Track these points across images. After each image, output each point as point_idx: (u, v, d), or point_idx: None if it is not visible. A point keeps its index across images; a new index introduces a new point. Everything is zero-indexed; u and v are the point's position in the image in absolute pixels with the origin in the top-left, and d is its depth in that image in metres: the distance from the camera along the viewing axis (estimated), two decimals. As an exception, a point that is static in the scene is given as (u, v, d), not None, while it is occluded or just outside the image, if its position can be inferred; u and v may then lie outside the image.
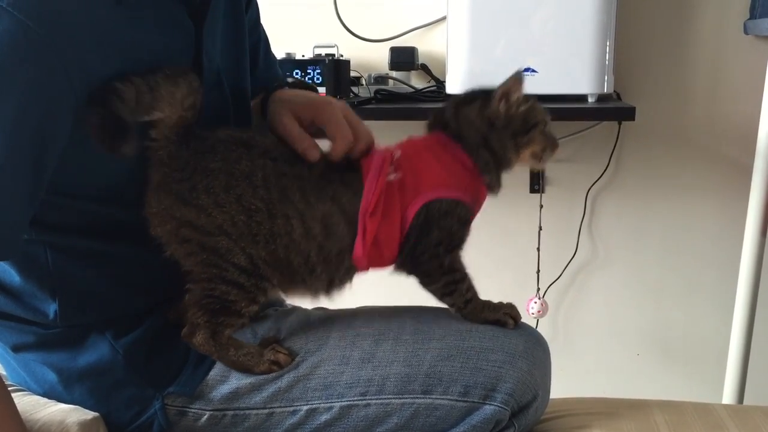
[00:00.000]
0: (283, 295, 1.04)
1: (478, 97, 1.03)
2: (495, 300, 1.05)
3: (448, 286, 1.01)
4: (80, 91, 0.81)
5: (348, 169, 0.99)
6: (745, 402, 1.87)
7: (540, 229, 2.00)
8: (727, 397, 1.87)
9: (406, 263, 1.01)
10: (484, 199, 1.04)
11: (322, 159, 0.98)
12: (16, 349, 0.99)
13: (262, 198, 0.92)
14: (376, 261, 1.00)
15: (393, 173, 0.98)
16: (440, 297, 1.03)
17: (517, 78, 1.01)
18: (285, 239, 0.93)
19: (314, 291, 0.99)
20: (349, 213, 0.95)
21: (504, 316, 1.03)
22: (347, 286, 1.01)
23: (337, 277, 0.98)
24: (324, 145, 1.01)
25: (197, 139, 0.93)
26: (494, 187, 1.03)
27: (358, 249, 0.96)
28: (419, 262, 1.00)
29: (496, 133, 1.01)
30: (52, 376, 0.98)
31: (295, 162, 0.96)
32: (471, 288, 1.03)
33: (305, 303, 1.03)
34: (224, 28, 1.04)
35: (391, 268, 1.03)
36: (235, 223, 0.91)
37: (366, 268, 1.00)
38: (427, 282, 1.02)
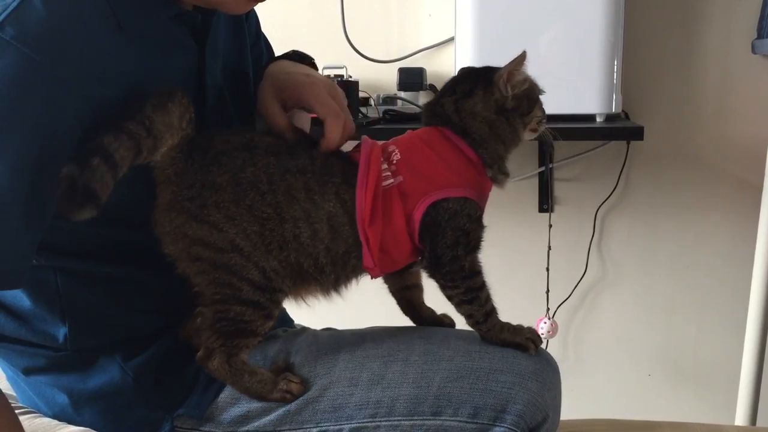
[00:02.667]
0: (296, 301, 1.01)
1: (477, 86, 1.03)
2: (503, 321, 1.04)
3: (468, 292, 0.99)
4: (86, 121, 0.82)
5: (347, 161, 0.98)
6: (758, 423, 1.85)
7: (549, 248, 2.00)
8: (740, 418, 1.85)
9: (428, 267, 1.00)
10: (488, 191, 1.04)
11: (321, 150, 0.98)
12: (27, 372, 0.99)
13: (270, 203, 0.92)
14: (388, 266, 1.00)
15: (391, 178, 0.97)
16: (459, 305, 1.01)
17: (521, 59, 1.01)
18: (294, 243, 0.93)
19: (325, 290, 0.99)
20: (352, 213, 0.95)
21: (526, 340, 1.01)
22: (354, 282, 1.00)
23: (343, 275, 0.98)
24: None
25: (199, 151, 0.92)
26: (498, 178, 1.03)
27: (368, 260, 0.96)
28: (440, 264, 0.99)
29: (506, 116, 1.02)
30: (62, 399, 0.98)
31: (297, 154, 0.96)
32: (490, 300, 1.01)
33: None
34: (226, 45, 1.05)
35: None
36: (247, 235, 0.91)
37: (379, 274, 1.00)
38: (448, 286, 1.00)
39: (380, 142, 1.01)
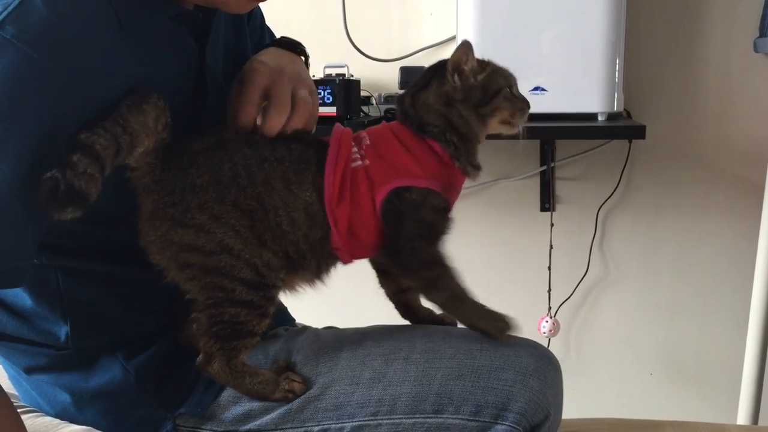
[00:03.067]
0: (290, 294, 1.02)
1: (434, 78, 1.02)
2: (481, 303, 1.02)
3: (428, 282, 0.99)
4: (86, 120, 0.82)
5: (321, 148, 0.97)
6: (761, 423, 1.85)
7: (551, 247, 2.00)
8: (742, 417, 1.85)
9: (389, 254, 0.99)
10: (460, 184, 1.03)
11: (300, 140, 0.98)
12: (29, 371, 1.00)
13: (252, 196, 0.91)
14: (357, 250, 0.99)
15: (360, 160, 0.97)
16: (421, 292, 1.02)
17: (464, 47, 0.99)
18: (278, 231, 0.93)
19: (310, 278, 0.99)
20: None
21: (492, 328, 0.99)
22: (333, 269, 1.00)
23: (323, 261, 0.98)
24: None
25: (174, 155, 0.91)
26: (468, 170, 1.01)
27: (336, 239, 0.96)
28: (399, 253, 0.98)
29: (455, 108, 1.00)
30: (64, 397, 0.98)
31: (275, 144, 0.96)
32: (456, 285, 0.98)
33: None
34: (227, 44, 1.05)
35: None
36: (237, 231, 0.90)
37: (350, 259, 1.00)
38: (407, 276, 1.01)
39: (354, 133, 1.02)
